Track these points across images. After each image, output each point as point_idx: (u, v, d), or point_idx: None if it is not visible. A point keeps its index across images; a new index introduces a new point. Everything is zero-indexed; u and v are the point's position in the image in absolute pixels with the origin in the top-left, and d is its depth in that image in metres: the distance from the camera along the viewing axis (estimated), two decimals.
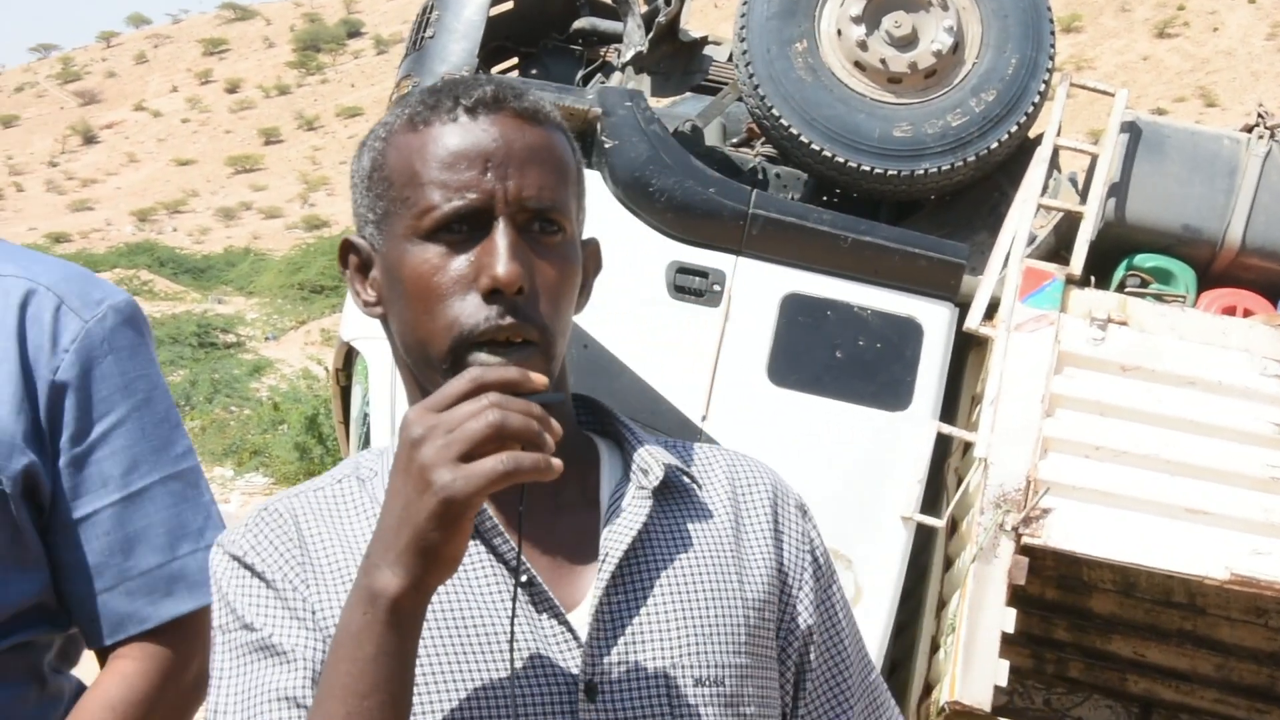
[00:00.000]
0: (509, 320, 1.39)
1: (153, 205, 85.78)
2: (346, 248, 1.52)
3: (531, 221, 1.43)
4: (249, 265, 48.23)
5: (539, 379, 1.31)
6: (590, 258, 1.53)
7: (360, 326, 5.36)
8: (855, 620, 1.62)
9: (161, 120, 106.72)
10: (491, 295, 1.40)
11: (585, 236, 1.54)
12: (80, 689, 1.92)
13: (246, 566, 1.44)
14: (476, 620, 1.42)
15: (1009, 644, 4.87)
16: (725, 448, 1.62)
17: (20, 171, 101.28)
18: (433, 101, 1.45)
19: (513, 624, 1.40)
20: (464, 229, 1.41)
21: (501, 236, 1.40)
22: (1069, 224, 5.40)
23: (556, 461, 1.28)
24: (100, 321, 1.84)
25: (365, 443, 5.84)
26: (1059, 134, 5.43)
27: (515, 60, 6.34)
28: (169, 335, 29.91)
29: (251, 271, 45.44)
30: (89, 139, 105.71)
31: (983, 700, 4.73)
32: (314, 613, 1.42)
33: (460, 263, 1.41)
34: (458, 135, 1.43)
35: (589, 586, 1.46)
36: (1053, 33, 5.49)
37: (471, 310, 1.40)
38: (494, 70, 5.98)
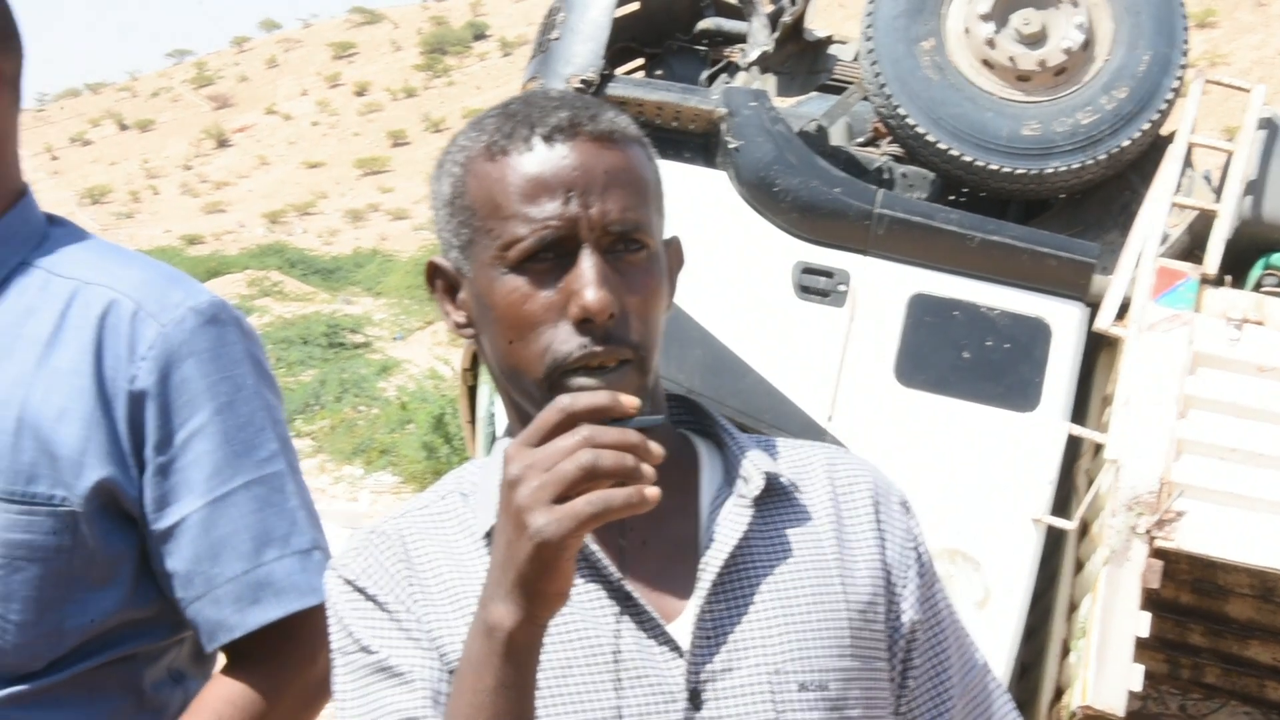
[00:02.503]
0: (602, 348, 1.41)
1: (283, 207, 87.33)
2: (433, 270, 1.54)
3: (616, 243, 1.44)
4: (377, 266, 48.87)
5: (629, 402, 1.29)
6: (673, 256, 1.55)
7: None
8: (958, 620, 1.61)
9: (291, 123, 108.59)
10: (583, 323, 1.41)
11: (681, 236, 1.56)
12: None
13: (359, 590, 1.47)
14: (577, 635, 1.43)
15: (1143, 648, 4.80)
16: (826, 446, 1.61)
17: (156, 175, 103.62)
18: (508, 129, 1.46)
19: (617, 642, 1.42)
20: (550, 257, 1.43)
21: (588, 264, 1.42)
22: (1203, 223, 5.31)
23: (652, 492, 1.26)
24: (179, 325, 1.80)
25: (492, 441, 5.90)
26: (1193, 131, 5.34)
27: (641, 61, 6.37)
28: (299, 335, 30.36)
29: (379, 272, 46.03)
30: (222, 142, 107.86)
31: (1116, 705, 4.67)
32: (428, 633, 1.44)
33: (549, 292, 1.43)
34: (536, 165, 1.44)
35: (688, 595, 1.47)
36: (1186, 28, 5.40)
37: (564, 338, 1.42)
38: (619, 71, 6.02)
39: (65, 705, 1.79)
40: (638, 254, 1.45)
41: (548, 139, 1.44)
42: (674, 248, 1.55)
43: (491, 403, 5.91)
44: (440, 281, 1.54)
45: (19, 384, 1.76)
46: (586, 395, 1.29)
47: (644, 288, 1.45)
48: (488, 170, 1.46)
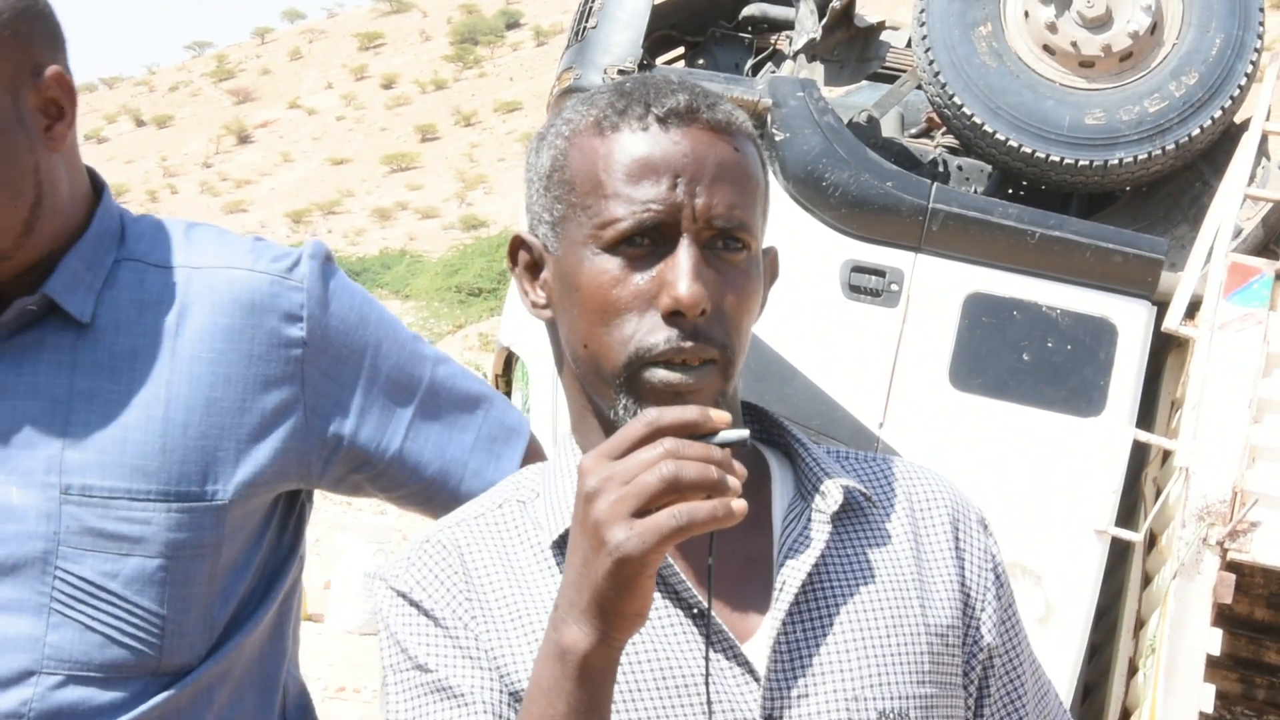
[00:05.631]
0: (689, 344, 1.42)
1: (307, 206, 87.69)
2: (517, 244, 1.54)
3: (716, 239, 1.45)
4: (405, 267, 49.08)
5: (720, 418, 1.29)
6: (769, 266, 1.55)
7: (520, 331, 5.45)
8: (1030, 642, 1.62)
9: (316, 118, 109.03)
10: (672, 316, 1.42)
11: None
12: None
13: (413, 604, 1.47)
14: (653, 657, 1.43)
15: (1214, 667, 4.79)
16: (899, 459, 1.62)
17: (174, 173, 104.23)
18: (622, 106, 1.47)
19: (707, 681, 1.42)
20: (646, 242, 1.44)
21: (685, 255, 1.42)
22: (1279, 215, 5.28)
23: (739, 504, 1.26)
24: (310, 276, 1.88)
25: None
26: (1268, 118, 5.32)
27: (681, 50, 6.39)
28: None
29: (408, 274, 46.21)
30: (243, 139, 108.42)
31: None
32: (486, 651, 1.44)
33: (641, 278, 1.44)
34: (646, 146, 1.45)
35: (763, 616, 1.47)
36: (1261, 9, 5.38)
37: (650, 329, 1.42)
38: (659, 61, 6.04)
39: (213, 690, 1.86)
40: (738, 253, 1.46)
41: (663, 121, 1.45)
42: (771, 258, 1.55)
43: (526, 410, 5.94)
44: (524, 256, 1.54)
45: (155, 382, 1.81)
46: (675, 410, 1.29)
47: (739, 289, 1.46)
48: (594, 145, 1.47)
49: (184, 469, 1.80)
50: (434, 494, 1.97)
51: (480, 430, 1.99)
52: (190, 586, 1.82)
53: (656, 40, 6.07)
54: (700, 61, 6.19)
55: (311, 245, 1.92)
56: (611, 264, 1.44)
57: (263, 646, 1.93)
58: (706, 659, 1.42)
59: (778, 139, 5.18)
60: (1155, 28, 5.33)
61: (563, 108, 1.55)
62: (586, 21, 5.52)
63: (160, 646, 1.81)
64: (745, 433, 1.33)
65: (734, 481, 1.27)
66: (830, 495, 1.50)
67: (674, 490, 1.25)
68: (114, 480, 1.78)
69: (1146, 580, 5.12)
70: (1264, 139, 5.38)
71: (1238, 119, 5.53)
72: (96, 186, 1.90)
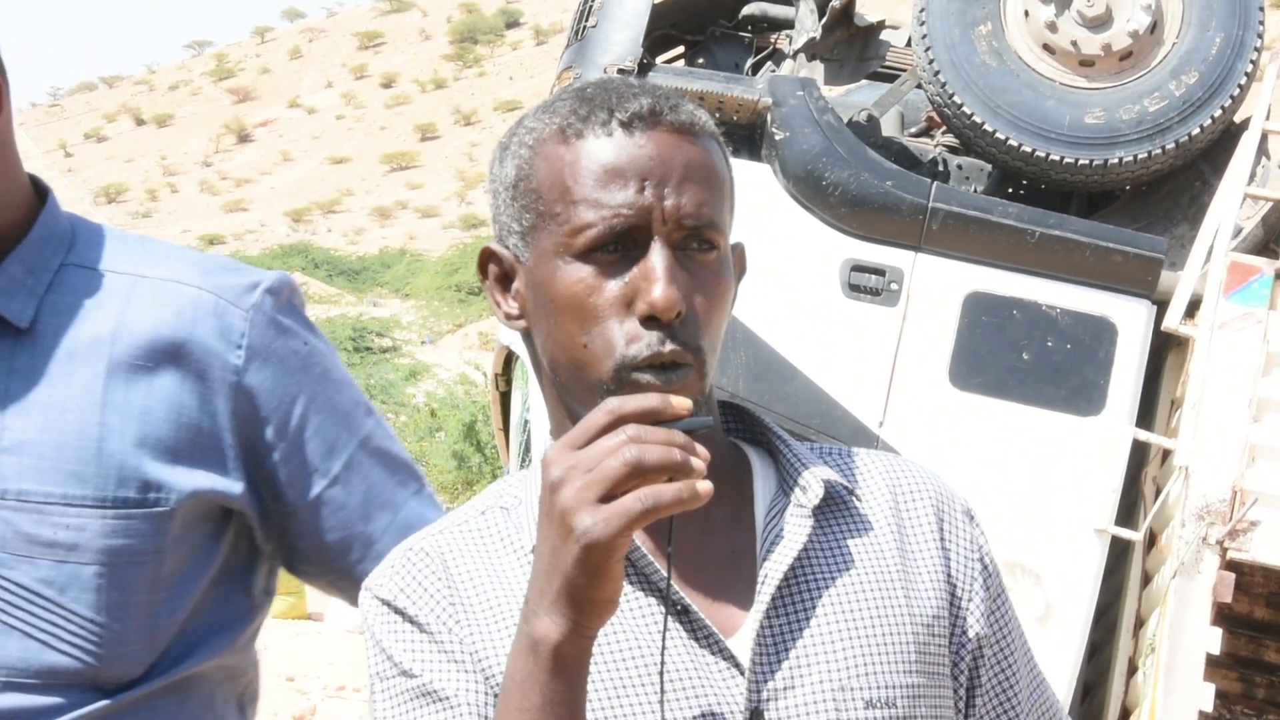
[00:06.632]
0: (669, 347, 1.42)
1: (307, 205, 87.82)
2: (487, 256, 1.54)
3: (687, 239, 1.45)
4: (405, 266, 49.28)
5: (680, 404, 1.31)
6: (737, 262, 1.55)
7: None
8: (1024, 633, 1.62)
9: (316, 117, 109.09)
10: (649, 320, 1.42)
11: (735, 239, 1.56)
12: None
13: (397, 611, 1.48)
14: (632, 652, 1.44)
15: (1214, 666, 4.79)
16: (884, 453, 1.62)
17: (174, 172, 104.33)
18: (585, 112, 1.47)
19: (663, 657, 1.42)
20: (617, 248, 1.44)
21: (658, 258, 1.43)
22: (1278, 214, 5.28)
23: (705, 485, 1.28)
24: (259, 308, 1.85)
25: (526, 450, 5.93)
26: (1268, 118, 5.32)
27: (681, 49, 6.39)
28: None
29: (407, 273, 46.41)
30: (243, 138, 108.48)
31: None
32: (471, 654, 1.45)
33: (615, 284, 1.44)
34: (612, 151, 1.45)
35: (747, 610, 1.47)
36: (1261, 8, 5.38)
37: (630, 335, 1.43)
38: (659, 60, 6.04)
39: (159, 712, 1.84)
40: (708, 254, 1.46)
41: (627, 125, 1.45)
42: (738, 254, 1.56)
43: (525, 409, 5.94)
44: (494, 269, 1.54)
45: (91, 388, 1.79)
46: (636, 398, 1.31)
47: (711, 289, 1.46)
48: (559, 153, 1.47)
49: (121, 475, 1.78)
50: (330, 560, 1.93)
51: (401, 517, 1.95)
52: (130, 594, 1.79)
53: (656, 39, 6.07)
54: (700, 61, 6.19)
55: (274, 279, 1.89)
56: (584, 271, 1.44)
57: (214, 688, 1.90)
58: (663, 649, 1.42)
59: (778, 138, 5.18)
60: (1155, 27, 5.33)
61: (523, 117, 1.54)
62: (586, 20, 5.52)
63: (100, 655, 1.78)
64: (709, 419, 1.35)
65: (698, 463, 1.28)
66: (811, 489, 1.51)
67: (638, 474, 1.26)
68: (50, 486, 1.76)
69: (1146, 579, 5.12)
70: (1264, 138, 5.38)
71: (1238, 118, 5.53)
72: (40, 193, 1.87)
